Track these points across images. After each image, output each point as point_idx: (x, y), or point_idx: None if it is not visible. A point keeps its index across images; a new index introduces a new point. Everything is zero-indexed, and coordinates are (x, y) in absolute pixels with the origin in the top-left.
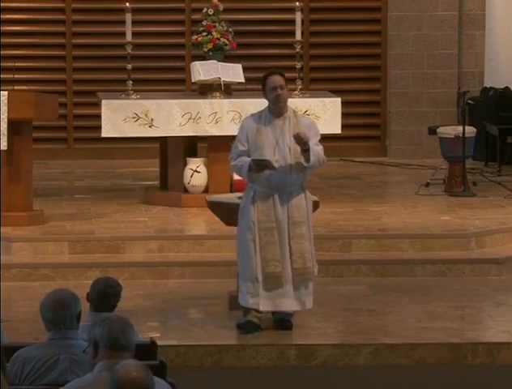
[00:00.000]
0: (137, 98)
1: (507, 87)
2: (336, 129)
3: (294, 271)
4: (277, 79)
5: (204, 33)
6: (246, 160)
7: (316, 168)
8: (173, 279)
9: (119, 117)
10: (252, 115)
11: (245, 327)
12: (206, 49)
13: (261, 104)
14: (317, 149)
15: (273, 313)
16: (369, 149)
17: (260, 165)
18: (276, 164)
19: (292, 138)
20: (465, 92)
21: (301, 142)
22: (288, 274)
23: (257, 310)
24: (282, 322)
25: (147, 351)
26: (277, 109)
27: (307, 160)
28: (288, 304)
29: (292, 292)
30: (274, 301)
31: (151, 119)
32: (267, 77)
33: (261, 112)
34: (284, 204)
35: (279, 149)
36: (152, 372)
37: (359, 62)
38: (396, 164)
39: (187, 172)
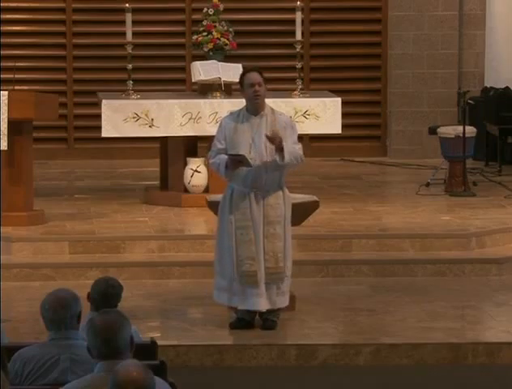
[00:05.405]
0: (137, 98)
1: (507, 87)
2: (336, 129)
3: (266, 270)
4: (255, 76)
5: (204, 33)
6: (224, 157)
7: (293, 166)
8: (174, 279)
9: (119, 117)
10: (231, 113)
11: (236, 325)
12: (206, 49)
13: None
14: (294, 147)
15: (260, 313)
16: (369, 149)
17: (235, 161)
18: (252, 162)
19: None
20: (465, 92)
21: (274, 141)
22: (262, 273)
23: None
24: (266, 321)
25: (147, 351)
26: (254, 107)
27: (281, 158)
28: (260, 303)
29: (264, 292)
30: (249, 300)
31: (152, 119)
32: (245, 74)
33: (239, 110)
34: (260, 203)
35: (254, 147)
36: (152, 372)
37: (359, 62)
38: (396, 164)
39: (187, 172)
